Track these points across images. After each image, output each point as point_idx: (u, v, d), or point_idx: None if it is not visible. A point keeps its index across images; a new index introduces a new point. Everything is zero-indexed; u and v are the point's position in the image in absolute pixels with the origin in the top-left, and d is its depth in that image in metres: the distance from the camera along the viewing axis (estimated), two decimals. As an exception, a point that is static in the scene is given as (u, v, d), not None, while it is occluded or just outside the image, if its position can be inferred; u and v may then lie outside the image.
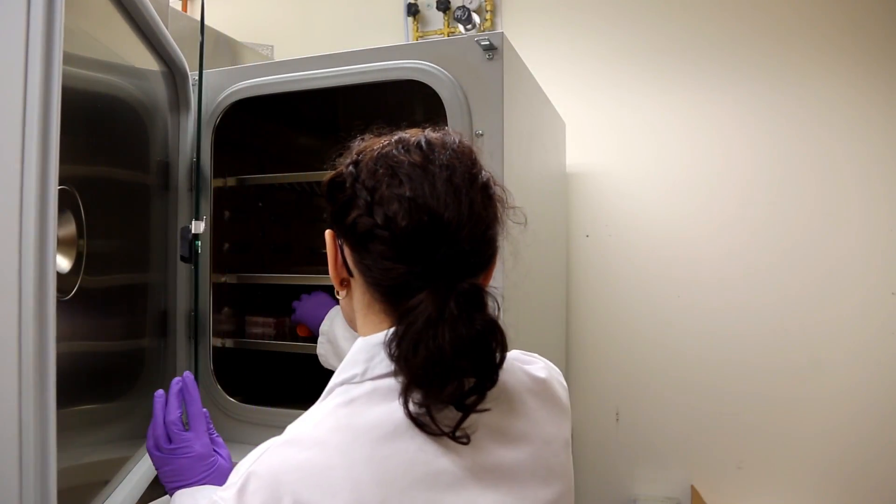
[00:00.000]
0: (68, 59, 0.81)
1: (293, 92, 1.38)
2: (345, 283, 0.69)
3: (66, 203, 0.88)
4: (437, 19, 2.32)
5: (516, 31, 2.23)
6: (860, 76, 1.94)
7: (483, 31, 2.26)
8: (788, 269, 1.98)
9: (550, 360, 0.77)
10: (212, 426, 0.94)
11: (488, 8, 2.26)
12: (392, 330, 0.60)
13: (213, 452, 0.90)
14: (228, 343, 1.56)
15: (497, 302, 0.64)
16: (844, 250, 1.94)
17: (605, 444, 2.14)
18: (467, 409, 0.59)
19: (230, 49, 2.03)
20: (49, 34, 0.75)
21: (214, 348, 1.46)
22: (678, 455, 2.08)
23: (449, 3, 2.26)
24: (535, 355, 0.77)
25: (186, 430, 0.91)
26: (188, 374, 0.96)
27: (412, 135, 0.68)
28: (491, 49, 1.21)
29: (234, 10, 2.59)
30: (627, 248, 2.14)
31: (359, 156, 0.67)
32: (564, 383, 0.76)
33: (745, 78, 2.04)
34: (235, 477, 0.60)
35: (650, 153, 2.13)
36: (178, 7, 2.56)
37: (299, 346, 1.55)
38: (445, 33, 2.30)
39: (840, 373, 1.94)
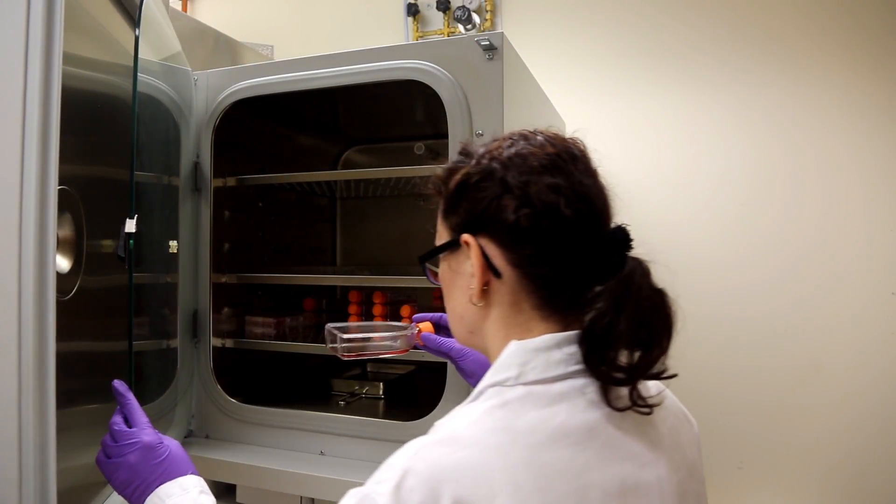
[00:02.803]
0: (68, 58, 0.81)
1: (293, 92, 1.38)
2: (485, 290, 0.68)
3: (66, 203, 0.88)
4: (437, 19, 2.32)
5: (516, 31, 2.23)
6: (862, 75, 1.94)
7: (483, 31, 2.26)
8: (789, 268, 1.98)
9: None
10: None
11: (488, 8, 2.26)
12: (593, 315, 0.62)
13: (161, 439, 0.87)
14: (228, 343, 1.56)
15: None
16: (845, 250, 1.94)
17: (605, 444, 2.14)
18: (657, 377, 0.63)
19: (230, 49, 2.03)
20: (49, 34, 0.75)
21: (214, 348, 1.46)
22: (678, 455, 2.08)
23: (449, 3, 2.26)
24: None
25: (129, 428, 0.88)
26: (115, 382, 0.93)
27: (529, 134, 0.71)
28: (491, 49, 1.21)
29: (234, 10, 2.59)
30: (627, 248, 2.14)
31: (491, 154, 0.68)
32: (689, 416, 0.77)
33: (746, 77, 2.03)
34: (389, 472, 0.57)
35: (650, 153, 2.12)
36: (178, 7, 2.56)
37: (299, 346, 1.55)
38: (445, 33, 2.30)
39: (840, 373, 1.93)
